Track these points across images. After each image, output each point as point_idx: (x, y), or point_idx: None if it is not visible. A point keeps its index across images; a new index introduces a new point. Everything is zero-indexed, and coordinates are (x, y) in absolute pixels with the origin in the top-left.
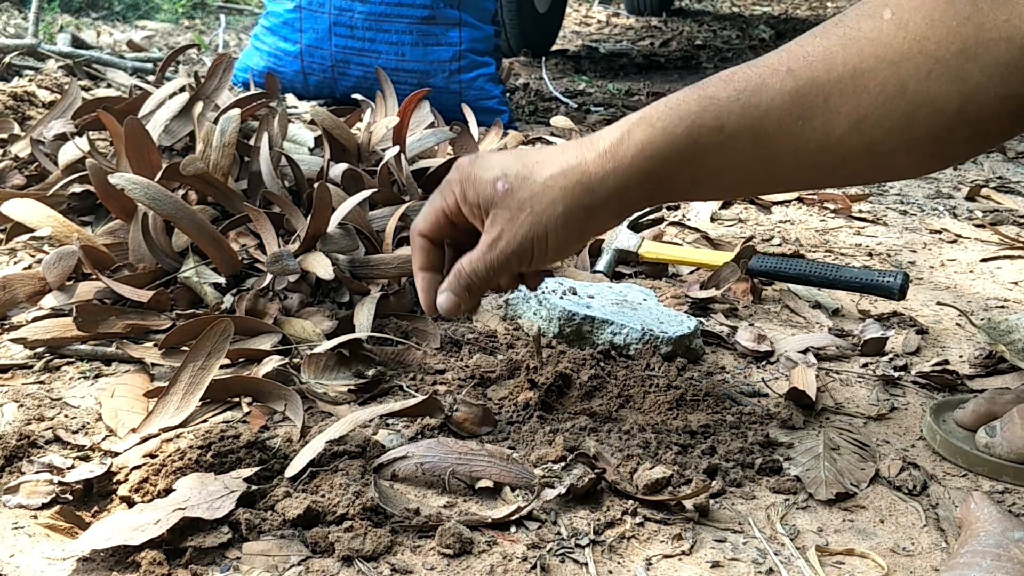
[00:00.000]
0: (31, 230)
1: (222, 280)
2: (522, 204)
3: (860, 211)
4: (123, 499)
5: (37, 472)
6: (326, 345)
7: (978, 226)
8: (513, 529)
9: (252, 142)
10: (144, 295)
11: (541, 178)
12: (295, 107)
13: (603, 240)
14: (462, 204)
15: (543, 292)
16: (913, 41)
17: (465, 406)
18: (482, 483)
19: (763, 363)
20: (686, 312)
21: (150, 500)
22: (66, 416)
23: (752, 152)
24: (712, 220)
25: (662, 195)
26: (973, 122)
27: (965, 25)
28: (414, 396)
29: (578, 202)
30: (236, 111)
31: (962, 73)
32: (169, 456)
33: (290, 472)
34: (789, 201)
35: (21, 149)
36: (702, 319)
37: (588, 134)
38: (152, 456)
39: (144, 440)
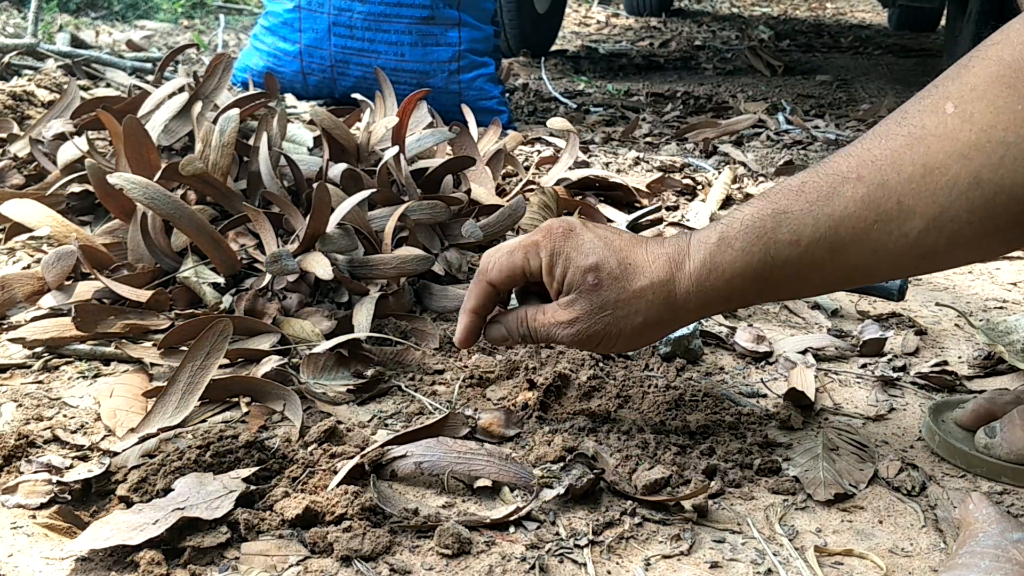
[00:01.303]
0: (30, 230)
1: (221, 280)
2: (605, 304)
3: None
4: (122, 499)
5: (36, 472)
6: (325, 345)
7: None
8: (512, 529)
9: (251, 142)
10: (143, 295)
11: (631, 286)
12: (294, 107)
13: None
14: (545, 274)
15: None
16: (980, 131)
17: (486, 412)
18: (480, 482)
19: (762, 364)
20: None
21: (149, 500)
22: (65, 416)
23: (829, 259)
24: (711, 221)
25: (738, 305)
26: None
27: None
28: (412, 396)
29: (659, 316)
30: (235, 111)
31: None
32: (168, 456)
33: (332, 484)
34: None
35: (20, 149)
36: (701, 319)
37: (671, 243)
38: (151, 456)
39: (143, 440)
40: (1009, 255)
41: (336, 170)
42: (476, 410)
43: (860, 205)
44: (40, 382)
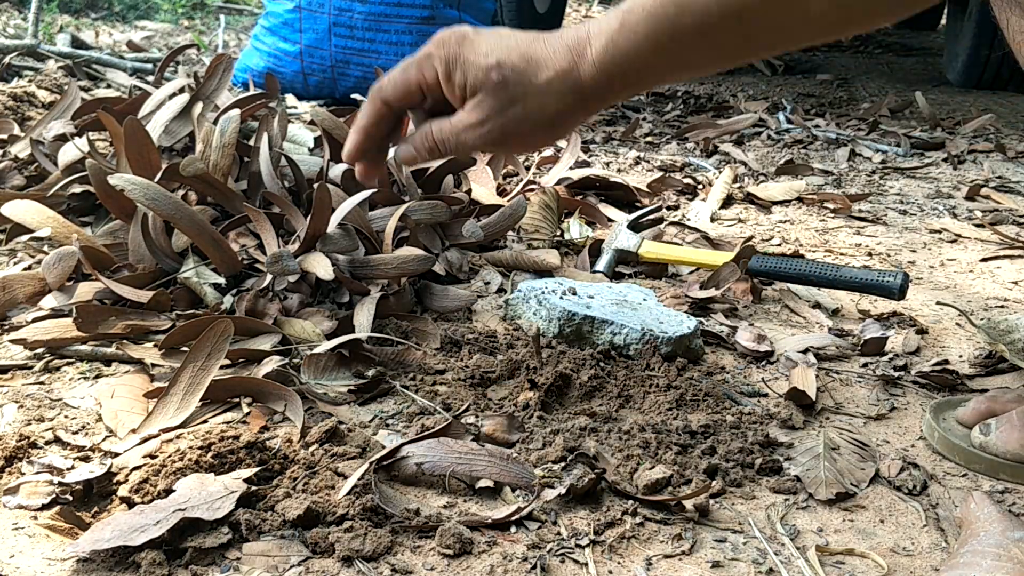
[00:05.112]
0: (31, 231)
1: (222, 280)
2: (514, 99)
3: (860, 211)
4: (123, 500)
5: (37, 473)
6: (326, 345)
7: (978, 226)
8: (513, 529)
9: (252, 142)
10: (144, 295)
11: (538, 80)
12: (295, 107)
13: (603, 240)
14: (444, 82)
15: (543, 292)
16: None
17: (488, 419)
18: (482, 483)
19: (763, 363)
20: (686, 312)
21: (150, 501)
22: (66, 417)
23: (732, 41)
24: (712, 220)
25: (643, 87)
26: None
27: None
28: (413, 398)
29: (568, 105)
30: (236, 111)
31: None
32: (169, 457)
33: (341, 494)
34: (789, 201)
35: (21, 150)
36: (702, 319)
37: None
38: (152, 457)
39: (144, 441)
40: (1010, 255)
41: (337, 170)
42: (478, 417)
43: None
44: (41, 383)
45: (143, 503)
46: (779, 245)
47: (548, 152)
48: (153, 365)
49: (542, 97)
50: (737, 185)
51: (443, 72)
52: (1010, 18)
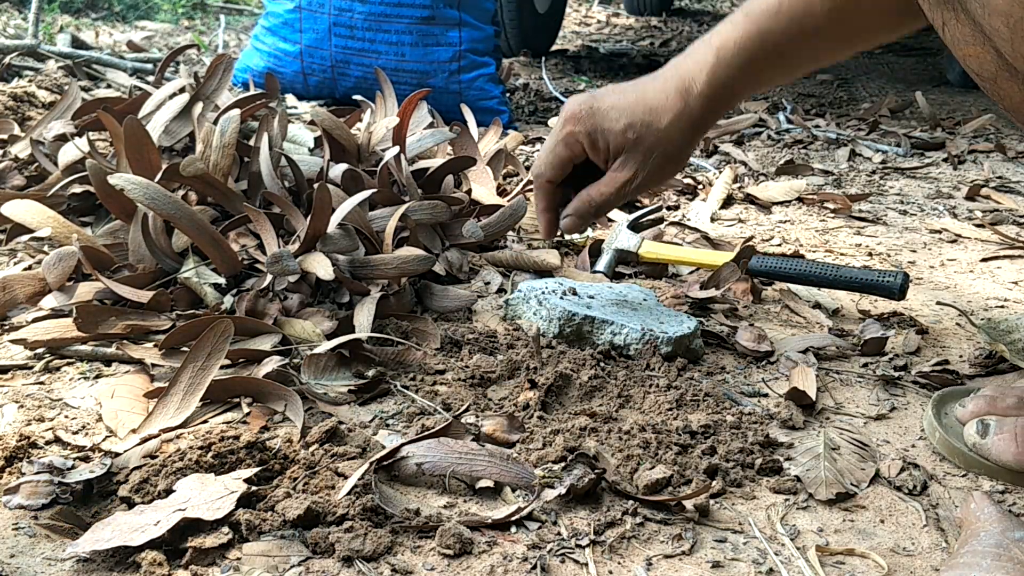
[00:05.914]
0: (31, 231)
1: (222, 280)
2: (651, 148)
3: (860, 211)
4: (123, 500)
5: (37, 473)
6: (326, 345)
7: (978, 226)
8: (513, 529)
9: (252, 142)
10: (144, 296)
11: (662, 125)
12: (295, 107)
13: (603, 240)
14: (590, 151)
15: (543, 292)
16: None
17: (488, 419)
18: (482, 483)
19: (763, 363)
20: (686, 312)
21: (150, 501)
22: (66, 417)
23: (808, 59)
24: (712, 220)
25: (733, 104)
26: None
27: None
28: (413, 398)
29: (687, 137)
30: (236, 111)
31: None
32: (169, 457)
33: (341, 494)
34: (789, 202)
35: (21, 150)
36: (702, 319)
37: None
38: (152, 457)
39: (144, 441)
40: (1010, 255)
41: (337, 170)
42: (478, 417)
43: (830, 15)
44: (41, 383)
45: (143, 503)
46: (779, 245)
47: None
48: (153, 365)
49: (670, 138)
50: (737, 185)
51: (588, 144)
52: (947, 21)
